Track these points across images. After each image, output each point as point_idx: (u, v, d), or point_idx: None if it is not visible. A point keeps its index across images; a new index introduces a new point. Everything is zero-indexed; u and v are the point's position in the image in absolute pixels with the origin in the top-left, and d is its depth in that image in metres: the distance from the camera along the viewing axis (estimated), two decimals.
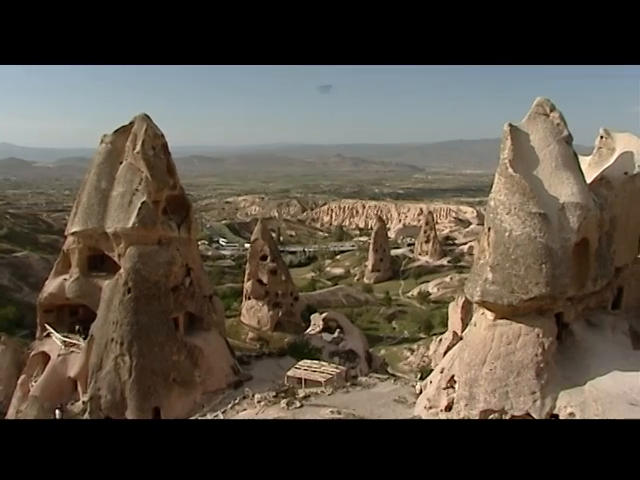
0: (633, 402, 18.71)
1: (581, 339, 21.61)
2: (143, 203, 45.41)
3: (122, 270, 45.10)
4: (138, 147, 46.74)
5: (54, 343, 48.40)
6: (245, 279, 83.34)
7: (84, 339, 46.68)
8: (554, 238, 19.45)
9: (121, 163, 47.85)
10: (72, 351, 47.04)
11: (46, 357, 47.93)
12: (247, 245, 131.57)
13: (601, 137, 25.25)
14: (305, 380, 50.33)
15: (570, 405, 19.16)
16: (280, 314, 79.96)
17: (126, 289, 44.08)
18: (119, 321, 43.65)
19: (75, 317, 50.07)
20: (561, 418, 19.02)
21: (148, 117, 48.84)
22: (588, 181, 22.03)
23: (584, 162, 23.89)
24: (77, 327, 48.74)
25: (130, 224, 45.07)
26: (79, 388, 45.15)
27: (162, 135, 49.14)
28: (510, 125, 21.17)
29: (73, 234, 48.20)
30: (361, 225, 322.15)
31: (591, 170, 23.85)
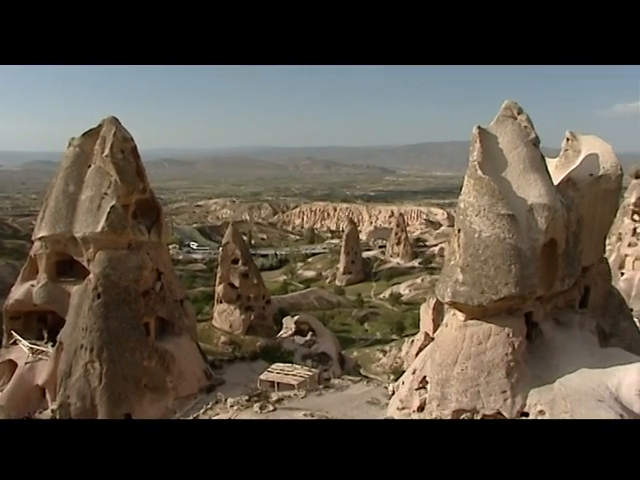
0: (600, 398, 19.07)
1: (550, 338, 21.96)
2: (112, 207, 44.90)
3: (91, 275, 44.53)
4: (107, 150, 46.20)
5: (21, 350, 47.56)
6: (216, 283, 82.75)
7: (52, 346, 45.96)
8: (523, 239, 19.76)
9: (89, 167, 47.24)
10: (40, 358, 46.28)
11: (13, 365, 47.05)
12: (219, 249, 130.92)
13: (567, 140, 25.69)
14: (278, 383, 50.24)
15: (540, 403, 19.46)
16: (252, 318, 79.55)
17: (96, 294, 43.52)
18: (89, 327, 43.07)
19: (43, 324, 49.22)
20: (531, 416, 19.31)
21: (117, 120, 48.33)
22: (555, 183, 22.40)
23: (551, 164, 24.29)
24: (45, 334, 47.97)
25: (99, 228, 44.53)
26: (47, 396, 44.41)
27: (131, 138, 48.67)
28: (479, 128, 21.44)
29: (40, 239, 47.45)
30: (332, 228, 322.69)
31: (558, 172, 24.25)
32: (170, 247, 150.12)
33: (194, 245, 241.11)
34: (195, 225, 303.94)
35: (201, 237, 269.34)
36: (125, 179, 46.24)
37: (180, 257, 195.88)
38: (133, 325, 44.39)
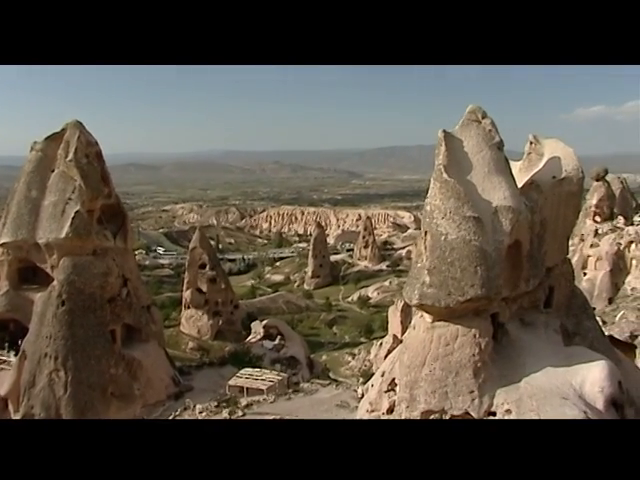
0: (565, 396, 19.41)
1: (516, 338, 22.27)
2: (77, 212, 44.24)
3: (55, 282, 43.77)
4: (70, 155, 45.51)
5: None
6: (184, 288, 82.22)
7: (15, 355, 45.03)
8: (488, 241, 20.02)
9: (53, 171, 46.48)
10: (2, 368, 45.30)
11: None
12: (186, 254, 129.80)
13: (530, 143, 26.08)
14: (247, 389, 50.02)
15: (507, 402, 19.72)
16: (220, 323, 79.21)
17: (60, 302, 42.78)
18: (53, 335, 42.29)
19: (5, 332, 48.09)
20: (498, 415, 19.56)
21: (81, 124, 47.66)
22: (519, 185, 22.74)
23: (515, 167, 24.64)
24: (7, 343, 46.92)
25: (63, 234, 43.81)
26: (10, 407, 43.42)
27: (96, 142, 48.05)
28: (444, 132, 21.68)
29: (2, 245, 46.47)
30: (300, 231, 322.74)
31: (522, 174, 24.62)
32: (136, 253, 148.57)
33: (161, 250, 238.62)
34: (162, 230, 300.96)
35: (168, 242, 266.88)
36: (90, 184, 45.60)
37: (147, 262, 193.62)
38: (99, 332, 43.75)
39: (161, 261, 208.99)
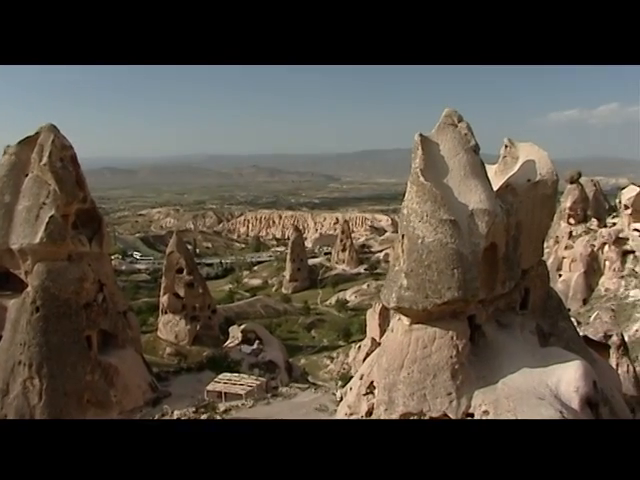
0: (541, 396, 19.61)
1: (492, 339, 22.44)
2: (51, 217, 43.69)
3: (29, 288, 43.17)
4: (45, 159, 44.96)
5: None
6: (161, 293, 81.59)
7: None
8: (464, 244, 20.17)
9: (26, 176, 45.86)
10: None
11: None
12: (163, 258, 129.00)
13: (505, 146, 26.34)
14: (225, 394, 49.79)
15: (484, 403, 19.86)
16: (198, 328, 78.70)
17: (34, 308, 42.19)
18: (27, 342, 41.68)
19: None
20: (476, 416, 19.70)
21: (55, 127, 47.11)
22: (495, 188, 22.94)
23: (490, 170, 24.87)
24: None
25: (37, 239, 43.24)
26: None
27: (70, 146, 47.53)
28: (421, 135, 21.80)
29: None
30: (278, 235, 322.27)
31: (497, 178, 24.85)
32: (112, 257, 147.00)
33: (137, 255, 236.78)
34: (138, 235, 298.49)
35: (144, 247, 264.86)
36: (64, 188, 45.08)
37: (123, 267, 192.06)
38: (74, 339, 43.22)
39: (138, 266, 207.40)
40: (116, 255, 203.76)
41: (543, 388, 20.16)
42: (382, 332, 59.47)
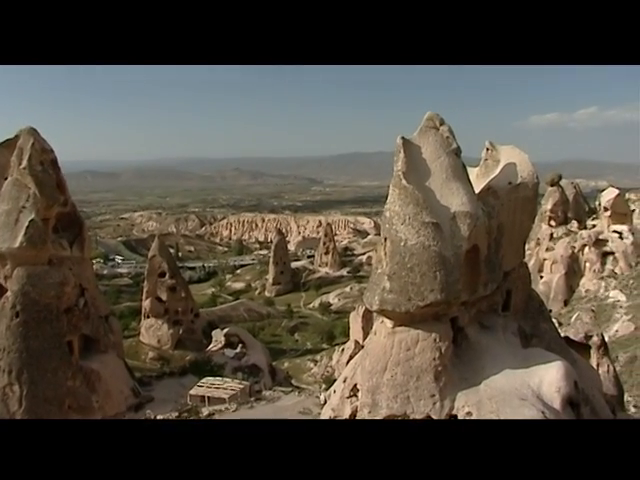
0: (523, 397, 19.73)
1: (475, 341, 22.56)
2: (31, 221, 43.27)
3: (9, 293, 42.70)
4: (24, 162, 44.56)
5: None
6: (143, 297, 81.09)
7: None
8: (447, 246, 20.26)
9: (6, 179, 45.42)
10: None
11: None
12: (145, 262, 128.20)
13: (487, 149, 26.49)
14: (208, 398, 49.62)
15: (467, 405, 19.95)
16: (181, 332, 78.34)
17: (14, 313, 41.73)
18: (6, 348, 41.22)
19: None
20: (459, 418, 19.78)
21: (35, 130, 46.71)
22: (476, 191, 23.07)
23: (472, 173, 25.01)
24: None
25: (17, 244, 42.80)
26: None
27: (51, 149, 47.16)
28: (403, 138, 21.87)
29: None
30: (261, 239, 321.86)
31: (479, 180, 24.99)
32: (94, 262, 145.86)
33: (119, 259, 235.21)
34: (120, 238, 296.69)
35: (126, 251, 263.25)
36: (45, 192, 44.69)
37: (105, 272, 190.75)
38: (55, 344, 42.81)
39: (119, 270, 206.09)
40: (98, 259, 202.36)
41: (525, 389, 20.29)
42: (365, 335, 59.59)
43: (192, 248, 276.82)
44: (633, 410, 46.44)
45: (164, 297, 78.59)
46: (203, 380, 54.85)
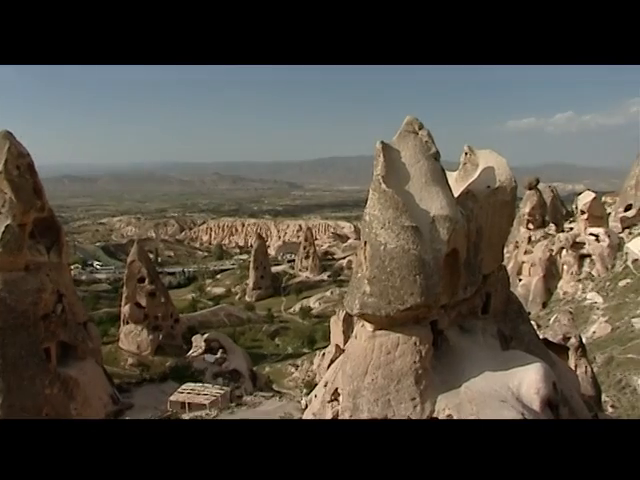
0: (503, 399, 19.87)
1: (455, 344, 22.68)
2: (7, 227, 42.69)
3: None
4: (0, 167, 43.96)
5: None
6: (122, 303, 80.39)
7: None
8: (426, 250, 20.35)
9: None
10: None
11: None
12: (124, 268, 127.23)
13: (465, 154, 26.68)
14: (189, 404, 49.32)
15: (448, 407, 20.05)
16: (160, 337, 77.78)
17: None
18: None
19: None
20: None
21: (11, 134, 46.09)
22: (455, 195, 23.22)
23: (451, 177, 25.17)
24: None
25: None
26: None
27: (27, 154, 46.54)
28: (382, 143, 21.95)
29: None
30: (241, 243, 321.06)
31: (458, 184, 25.16)
32: (72, 267, 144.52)
33: (98, 265, 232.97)
34: (98, 244, 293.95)
35: (105, 256, 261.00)
36: (21, 197, 44.12)
37: (83, 277, 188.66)
38: (32, 351, 42.23)
39: (98, 275, 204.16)
40: (76, 265, 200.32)
41: (505, 391, 20.44)
42: (346, 339, 59.65)
43: (172, 253, 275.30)
44: (610, 410, 47.06)
45: (143, 303, 77.99)
46: (183, 386, 54.50)
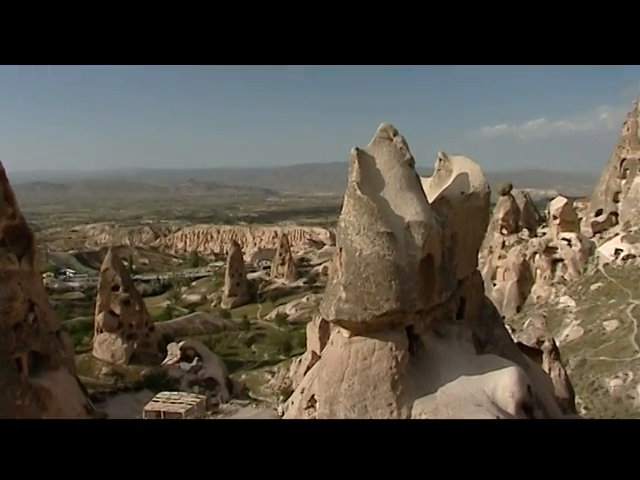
0: (478, 403, 20.01)
1: (431, 349, 22.79)
2: None
3: None
4: None
5: None
6: (96, 311, 79.46)
7: None
8: (401, 255, 20.44)
9: None
10: None
11: None
12: (98, 275, 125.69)
13: (440, 160, 26.87)
14: (164, 413, 48.82)
15: (424, 412, 20.11)
16: (135, 346, 77.00)
17: None
18: None
19: None
20: None
21: None
22: (430, 201, 23.37)
23: (425, 183, 25.31)
24: None
25: None
26: None
27: None
28: (357, 149, 22.02)
29: None
30: (216, 250, 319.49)
31: (432, 190, 25.33)
32: (44, 276, 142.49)
33: (71, 273, 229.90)
34: (71, 251, 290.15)
35: (78, 264, 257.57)
36: None
37: (56, 286, 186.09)
38: (3, 362, 41.45)
39: (71, 284, 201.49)
40: (48, 273, 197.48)
41: (480, 395, 20.58)
42: (322, 345, 59.61)
43: (146, 260, 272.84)
44: (584, 412, 47.67)
45: (118, 311, 77.18)
46: (159, 395, 53.96)
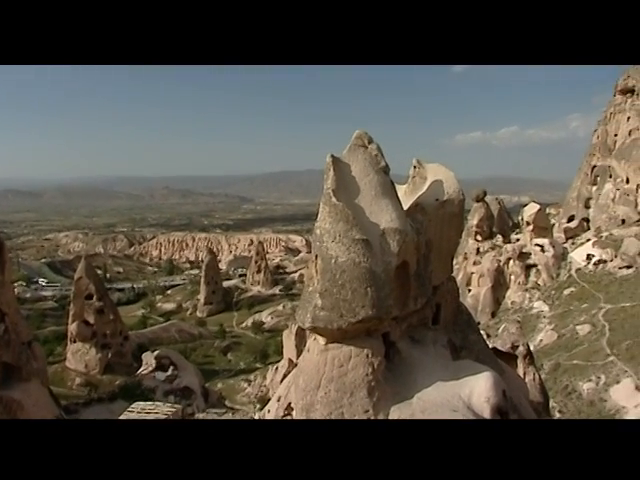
0: (455, 409, 20.08)
1: (407, 355, 22.84)
2: None
3: None
4: None
5: None
6: (69, 321, 78.54)
7: None
8: (377, 262, 20.49)
9: None
10: None
11: None
12: (71, 285, 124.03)
13: (414, 167, 27.01)
14: None
15: (401, 418, 20.15)
16: (109, 355, 76.22)
17: None
18: None
19: None
20: None
21: None
22: (405, 208, 23.47)
23: (400, 190, 25.42)
24: None
25: None
26: None
27: None
28: (332, 156, 22.05)
29: None
30: (192, 258, 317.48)
31: (407, 197, 25.44)
32: (15, 285, 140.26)
33: (43, 282, 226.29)
34: (44, 260, 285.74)
35: (51, 273, 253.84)
36: None
37: (28, 295, 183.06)
38: None
39: (43, 293, 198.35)
40: (20, 282, 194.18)
41: (456, 400, 20.68)
42: (299, 353, 59.49)
43: (121, 269, 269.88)
44: (558, 415, 48.21)
45: (91, 320, 76.34)
46: (133, 405, 53.12)
